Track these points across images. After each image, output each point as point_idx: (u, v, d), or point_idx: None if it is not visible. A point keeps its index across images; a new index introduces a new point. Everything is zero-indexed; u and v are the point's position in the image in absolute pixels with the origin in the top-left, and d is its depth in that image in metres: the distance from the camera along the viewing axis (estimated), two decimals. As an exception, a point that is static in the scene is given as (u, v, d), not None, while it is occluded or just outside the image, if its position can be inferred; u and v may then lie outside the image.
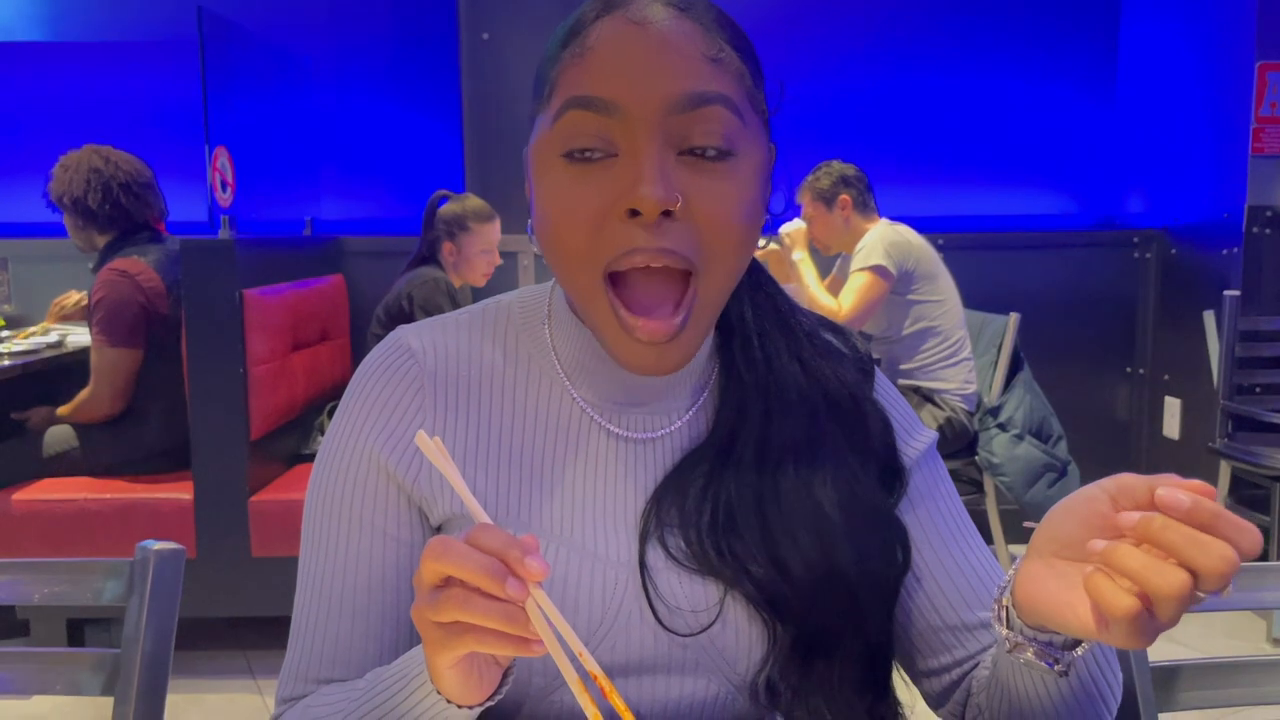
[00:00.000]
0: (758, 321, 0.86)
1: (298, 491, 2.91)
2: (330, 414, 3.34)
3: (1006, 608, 0.75)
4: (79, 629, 2.88)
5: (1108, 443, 3.91)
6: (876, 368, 0.91)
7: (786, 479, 0.82)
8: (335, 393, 3.43)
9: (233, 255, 2.75)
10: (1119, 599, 0.61)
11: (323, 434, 3.28)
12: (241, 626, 2.87)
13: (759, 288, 0.88)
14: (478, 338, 0.88)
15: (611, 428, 0.86)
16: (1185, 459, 3.62)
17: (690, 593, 0.81)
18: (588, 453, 0.85)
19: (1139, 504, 0.65)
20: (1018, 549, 3.49)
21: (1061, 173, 4.06)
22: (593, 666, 0.62)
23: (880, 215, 3.38)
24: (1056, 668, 0.74)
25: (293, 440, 3.18)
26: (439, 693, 0.69)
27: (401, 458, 0.84)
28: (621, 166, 0.74)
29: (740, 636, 0.81)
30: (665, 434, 0.86)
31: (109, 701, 1.04)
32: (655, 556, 0.82)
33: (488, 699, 0.71)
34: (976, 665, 0.87)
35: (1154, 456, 3.87)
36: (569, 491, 0.84)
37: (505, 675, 0.72)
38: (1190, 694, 0.99)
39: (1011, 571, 0.75)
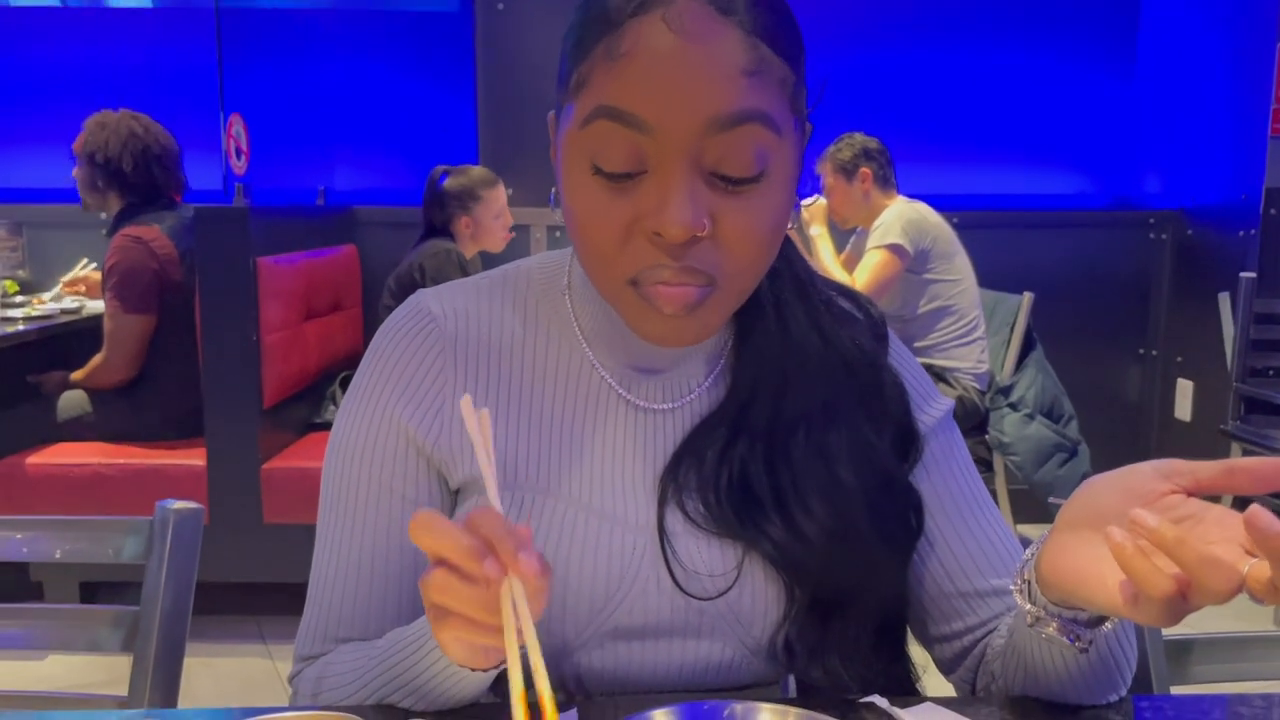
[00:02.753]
0: (775, 289, 0.86)
1: (310, 460, 2.92)
2: (343, 384, 3.35)
3: (1029, 581, 0.75)
4: (92, 593, 2.91)
5: (1119, 424, 3.90)
6: (892, 334, 0.91)
7: (802, 444, 0.83)
8: (348, 363, 3.44)
9: (246, 223, 2.75)
10: (1157, 579, 0.61)
11: (335, 404, 3.29)
12: (253, 592, 2.89)
13: (778, 253, 0.88)
14: (498, 302, 0.88)
15: (630, 397, 0.86)
16: (1196, 441, 3.62)
17: (708, 557, 0.82)
18: (607, 420, 0.85)
19: (1189, 487, 0.65)
20: (1026, 529, 3.49)
21: (1079, 152, 4.03)
22: (543, 688, 0.59)
23: (899, 192, 3.36)
24: (1078, 644, 0.74)
25: (305, 409, 3.20)
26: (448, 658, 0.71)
27: (422, 421, 0.84)
28: (650, 185, 0.72)
29: (757, 599, 0.82)
30: (683, 404, 0.87)
31: (123, 663, 1.05)
32: (674, 520, 0.83)
33: (496, 666, 0.72)
34: (989, 632, 0.87)
35: (1165, 438, 3.86)
36: (588, 457, 0.84)
37: None
38: (1202, 668, 1.00)
39: (1035, 545, 0.75)
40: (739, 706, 0.77)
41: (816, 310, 0.86)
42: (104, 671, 2.46)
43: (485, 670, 0.72)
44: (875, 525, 0.82)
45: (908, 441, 0.87)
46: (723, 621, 0.83)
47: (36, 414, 2.95)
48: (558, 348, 0.87)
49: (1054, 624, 0.74)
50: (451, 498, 0.86)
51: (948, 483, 0.89)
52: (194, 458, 2.84)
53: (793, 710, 0.76)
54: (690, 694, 0.85)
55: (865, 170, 3.29)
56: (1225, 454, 3.21)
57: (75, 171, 2.94)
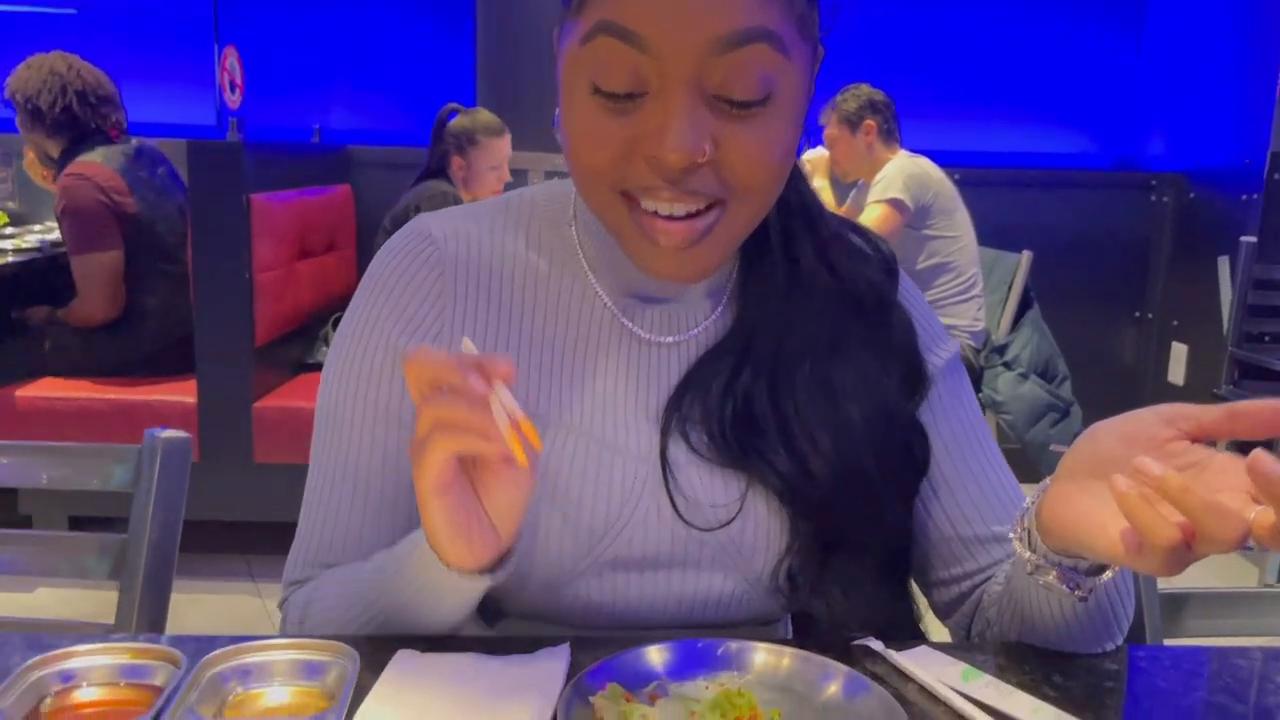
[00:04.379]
0: (783, 220, 0.84)
1: (301, 399, 2.91)
2: (335, 325, 3.33)
3: (1029, 529, 0.74)
4: (80, 527, 2.91)
5: (1112, 386, 3.90)
6: (902, 272, 0.89)
7: (808, 377, 0.82)
8: (340, 304, 3.41)
9: (240, 158, 2.71)
10: (1161, 528, 0.60)
11: (327, 344, 3.27)
12: (242, 531, 2.89)
13: (787, 184, 0.86)
14: (500, 228, 0.86)
15: (634, 329, 0.84)
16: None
17: (711, 487, 0.81)
18: (610, 351, 0.84)
19: (1192, 433, 0.64)
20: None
21: (1083, 112, 3.99)
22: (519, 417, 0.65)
23: (902, 146, 3.33)
24: (1077, 593, 0.74)
25: (297, 349, 3.17)
26: (440, 561, 0.70)
27: (419, 344, 0.82)
28: (650, 108, 0.70)
29: (759, 532, 0.82)
30: (688, 338, 0.85)
31: (111, 597, 1.04)
32: (677, 450, 0.82)
33: (488, 571, 0.71)
34: (987, 579, 0.87)
35: (1157, 401, 3.83)
36: (591, 386, 0.83)
37: (506, 556, 0.72)
38: (1197, 622, 0.99)
39: (1035, 494, 0.74)
40: (734, 645, 0.77)
41: (825, 243, 0.84)
42: (92, 604, 2.46)
43: (472, 572, 0.71)
44: (880, 461, 0.81)
45: (915, 380, 0.86)
46: (724, 553, 0.82)
47: (25, 348, 2.92)
48: (561, 276, 0.85)
49: (1053, 572, 0.74)
50: None
51: (953, 425, 0.88)
52: (184, 394, 2.82)
53: (788, 650, 0.76)
54: (688, 629, 0.84)
55: (870, 123, 3.25)
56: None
57: (16, 119, 2.88)
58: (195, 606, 2.67)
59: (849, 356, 0.83)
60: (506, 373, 0.64)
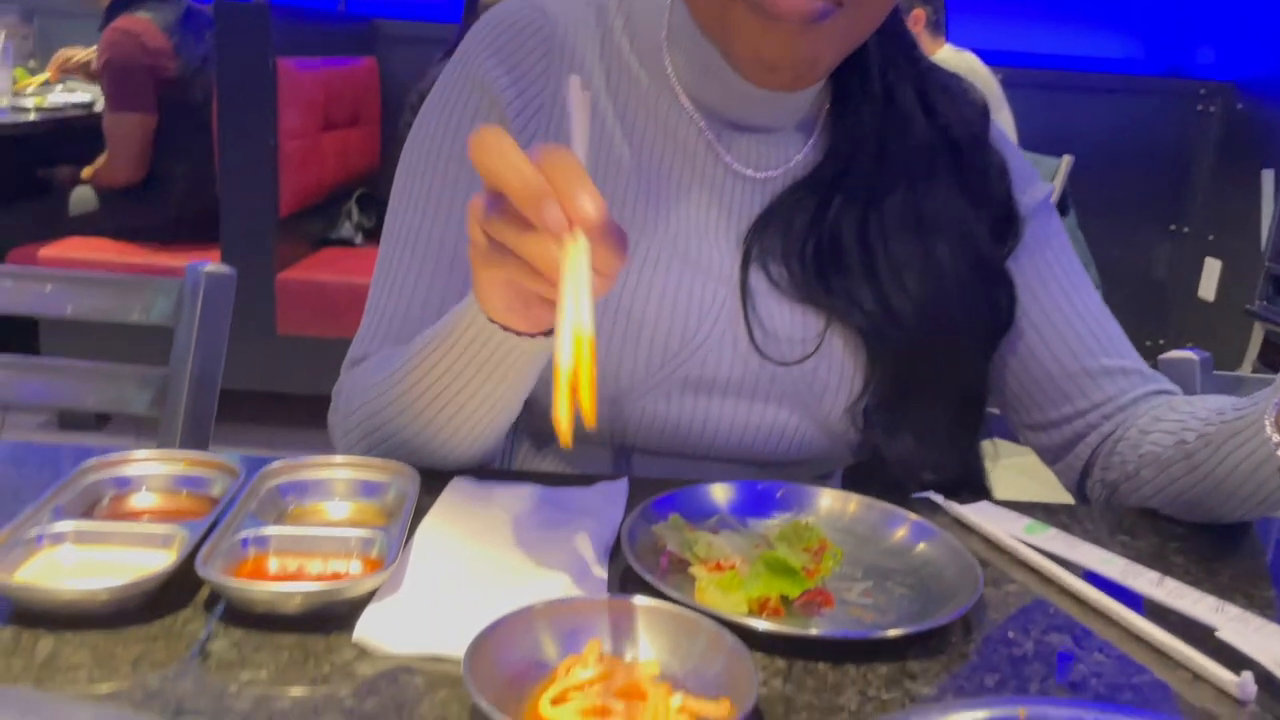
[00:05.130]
0: (882, 50, 0.80)
1: (324, 274, 2.89)
2: (359, 201, 3.29)
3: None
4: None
5: (1139, 298, 3.85)
6: (993, 116, 0.86)
7: (899, 215, 0.79)
8: (363, 179, 3.36)
9: (267, 20, 2.64)
10: None
11: (350, 220, 3.23)
12: (265, 403, 2.90)
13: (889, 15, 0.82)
14: (604, 27, 0.83)
15: (726, 158, 0.82)
16: (1218, 320, 3.58)
17: (791, 321, 0.80)
18: (697, 174, 0.82)
19: None
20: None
21: (1132, 16, 3.85)
22: (583, 350, 0.51)
23: (948, 40, 3.23)
24: None
25: (320, 223, 3.14)
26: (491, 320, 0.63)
27: (522, 112, 0.79)
28: None
29: (833, 372, 0.80)
30: (776, 173, 0.83)
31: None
32: (758, 280, 0.80)
33: (535, 332, 0.64)
34: (1103, 418, 0.84)
35: (1186, 315, 3.82)
36: (676, 205, 0.81)
37: None
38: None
39: None
40: (798, 487, 0.75)
41: (922, 76, 0.81)
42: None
43: (523, 335, 0.64)
44: (966, 306, 0.79)
45: (1007, 224, 0.83)
46: (795, 391, 0.80)
47: (48, 208, 2.89)
48: (653, 92, 0.82)
49: None
50: None
51: (1049, 263, 0.86)
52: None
53: (854, 496, 0.75)
54: (749, 463, 0.83)
55: (919, 12, 3.14)
56: (1248, 334, 3.18)
57: None
58: (217, 472, 2.69)
59: (941, 195, 0.80)
60: (593, 224, 0.51)
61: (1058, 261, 0.86)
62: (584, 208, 0.50)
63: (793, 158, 0.83)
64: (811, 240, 0.79)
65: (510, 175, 0.51)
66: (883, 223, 0.80)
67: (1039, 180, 0.88)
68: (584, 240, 0.52)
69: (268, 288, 2.80)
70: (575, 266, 0.52)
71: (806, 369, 0.80)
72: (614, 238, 0.52)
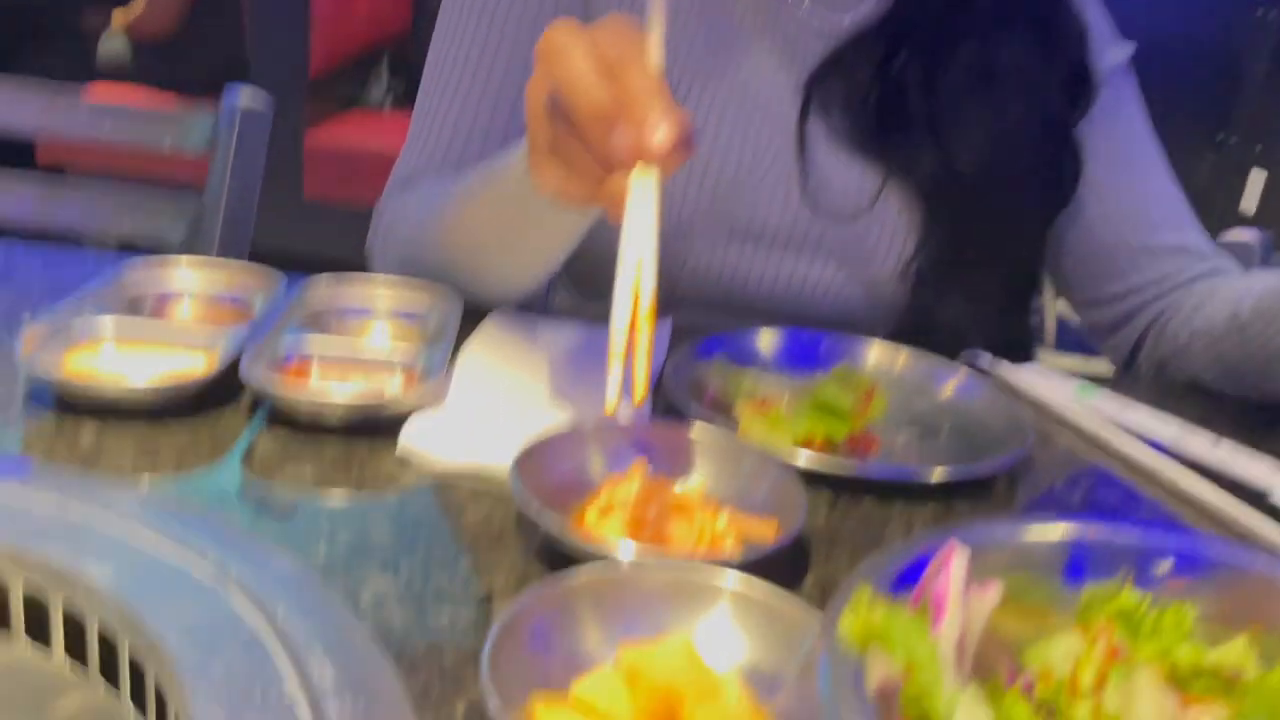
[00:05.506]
0: None
1: (353, 138, 2.84)
2: (390, 64, 3.22)
3: None
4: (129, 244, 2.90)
5: (1179, 210, 3.77)
6: None
7: (967, 68, 0.76)
8: (394, 41, 3.28)
9: None
10: None
11: (380, 83, 3.17)
12: (290, 268, 2.88)
13: None
14: None
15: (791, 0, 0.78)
16: (1239, 248, 3.50)
17: (846, 175, 0.77)
18: (764, 16, 0.78)
19: None
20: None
21: (1198, -89, 3.67)
22: (643, 307, 0.48)
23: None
24: None
25: (350, 85, 3.07)
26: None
27: None
28: None
29: (886, 230, 0.77)
30: (845, 19, 0.79)
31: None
32: (816, 129, 0.77)
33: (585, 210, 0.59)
34: (1156, 296, 0.82)
35: (1225, 228, 3.73)
36: (740, 45, 0.77)
37: None
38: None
39: None
40: (848, 336, 0.74)
41: None
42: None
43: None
44: (1031, 169, 0.77)
45: (1081, 86, 0.79)
46: (846, 248, 0.78)
47: (77, 52, 2.84)
48: None
49: None
50: None
51: (1122, 131, 0.82)
52: (235, 119, 2.76)
53: (904, 349, 0.73)
54: (791, 319, 0.81)
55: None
56: (1271, 261, 3.10)
57: None
58: (241, 331, 2.70)
59: (1014, 52, 0.77)
60: (665, 155, 0.46)
61: (1130, 130, 0.83)
62: (657, 138, 0.45)
63: (861, 4, 0.79)
64: (875, 90, 0.76)
65: (580, 92, 0.46)
66: (951, 76, 0.76)
67: (1119, 40, 0.84)
68: (652, 173, 0.48)
69: (295, 150, 2.76)
70: (640, 199, 0.48)
71: (858, 226, 0.77)
72: (683, 152, 0.47)
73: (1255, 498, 0.60)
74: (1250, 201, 3.63)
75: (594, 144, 0.48)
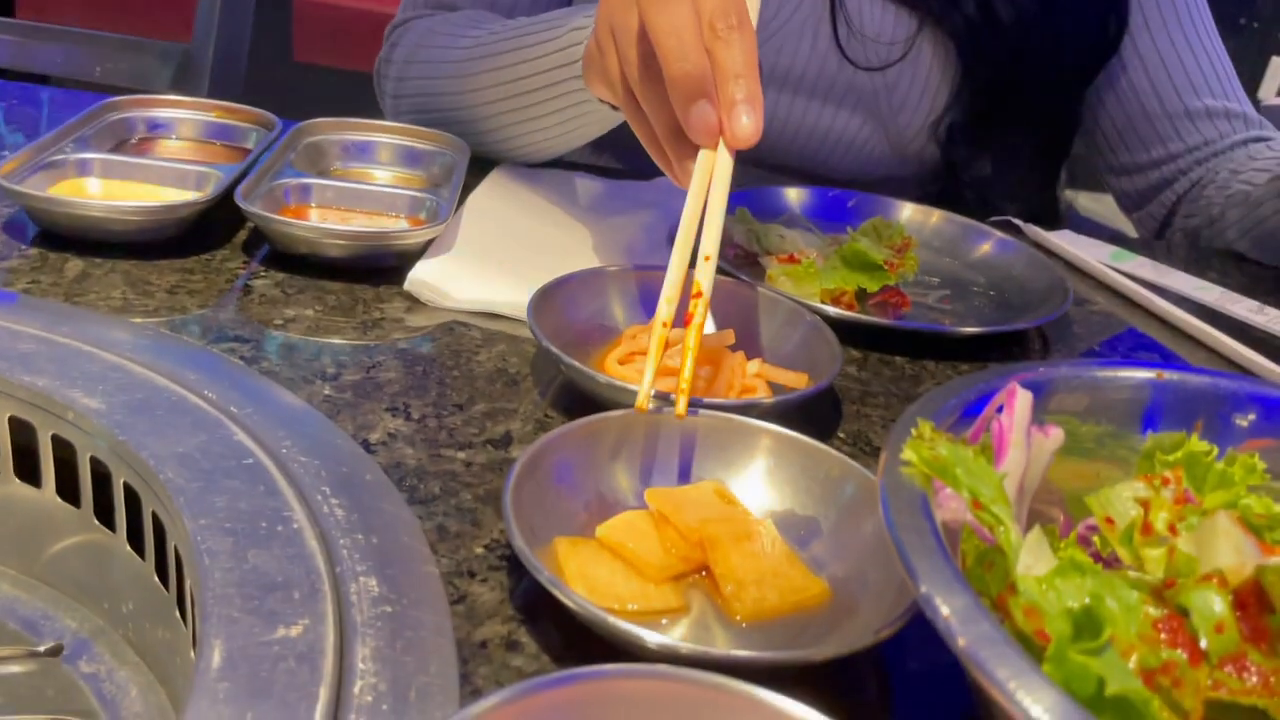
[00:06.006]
0: None
1: None
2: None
3: None
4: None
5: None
6: None
7: None
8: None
9: None
10: None
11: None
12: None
13: None
14: None
15: None
16: (1276, 123, 3.42)
17: (881, 20, 0.72)
18: None
19: None
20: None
21: None
22: (704, 286, 0.42)
23: None
24: None
25: (341, -54, 2.94)
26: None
27: None
28: None
29: (917, 84, 0.73)
30: None
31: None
32: None
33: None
34: (1193, 164, 0.78)
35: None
36: None
37: None
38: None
39: None
40: (871, 197, 0.70)
41: None
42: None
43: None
44: (1073, 21, 0.72)
45: None
46: (874, 100, 0.74)
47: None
48: None
49: None
50: None
51: None
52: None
53: (935, 210, 0.69)
54: (813, 173, 0.77)
55: None
56: (1304, 138, 3.03)
57: None
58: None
59: None
60: (744, 144, 0.43)
61: None
62: (740, 127, 0.42)
63: None
64: None
65: (673, 51, 0.42)
66: None
67: None
68: (728, 155, 0.44)
69: (285, 7, 2.65)
70: (710, 183, 0.43)
71: (889, 76, 0.73)
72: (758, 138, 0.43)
73: (1302, 363, 0.57)
74: (1270, 88, 3.54)
75: (675, 106, 0.43)
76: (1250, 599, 0.27)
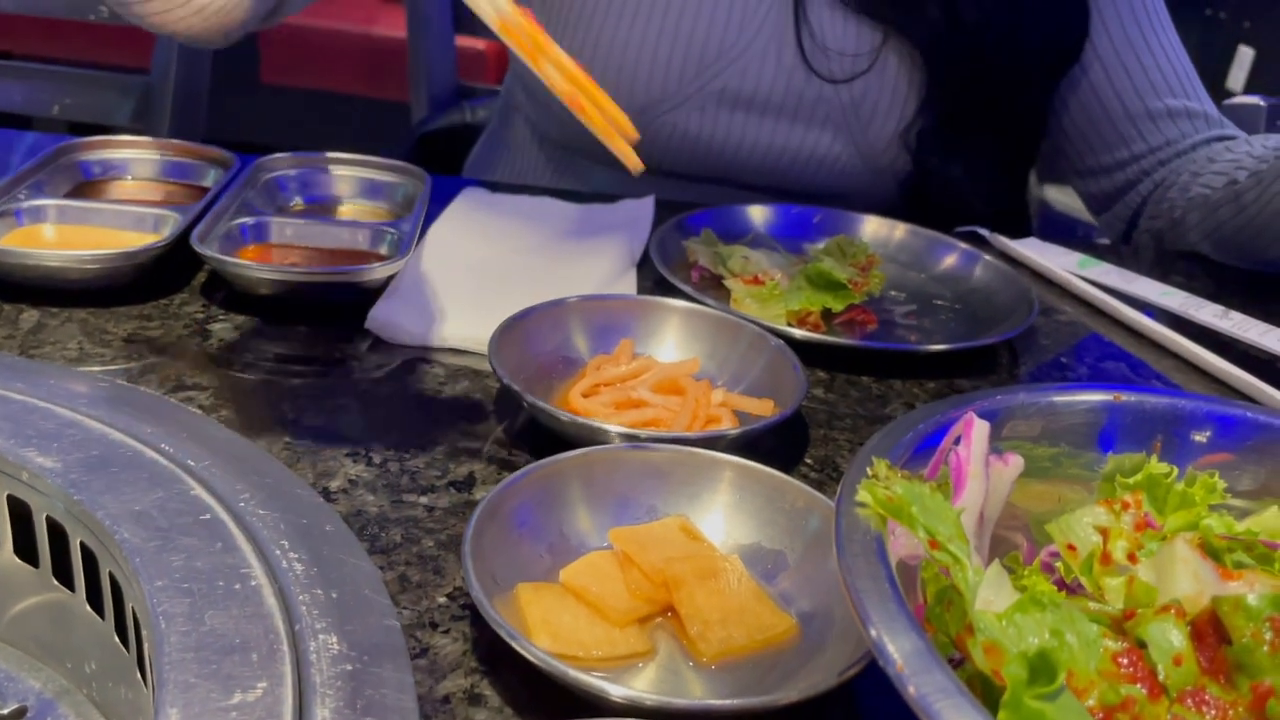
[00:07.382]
0: None
1: (314, 17, 2.71)
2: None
3: None
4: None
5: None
6: None
7: None
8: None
9: None
10: None
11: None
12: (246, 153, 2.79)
13: None
14: None
15: None
16: (1244, 112, 3.45)
17: (844, 34, 0.72)
18: None
19: None
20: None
21: None
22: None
23: None
24: None
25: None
26: None
27: None
28: None
29: (884, 94, 0.73)
30: None
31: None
32: None
33: None
34: (1157, 164, 0.79)
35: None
36: None
37: None
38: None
39: None
40: (841, 211, 0.70)
41: None
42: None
43: None
44: (1036, 25, 0.72)
45: None
46: (842, 114, 0.74)
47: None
48: None
49: None
50: None
51: None
52: (188, 2, 2.62)
53: (900, 224, 0.69)
54: (782, 190, 0.77)
55: None
56: (1274, 127, 3.06)
57: None
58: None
59: None
60: None
61: None
62: None
63: None
64: None
65: None
66: None
67: None
68: None
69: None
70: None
71: (855, 89, 0.73)
72: None
73: (1266, 367, 0.57)
74: (1237, 78, 3.57)
75: None
76: (1208, 629, 0.27)
